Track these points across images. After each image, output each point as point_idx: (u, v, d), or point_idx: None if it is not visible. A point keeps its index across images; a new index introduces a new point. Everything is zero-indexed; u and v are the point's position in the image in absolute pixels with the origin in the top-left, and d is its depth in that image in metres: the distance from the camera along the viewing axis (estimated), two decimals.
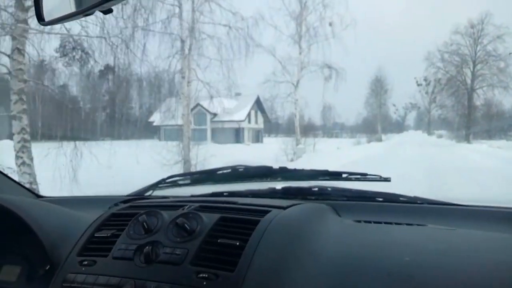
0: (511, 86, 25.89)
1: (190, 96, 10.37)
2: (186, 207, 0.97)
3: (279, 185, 1.29)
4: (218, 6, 11.15)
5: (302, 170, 1.35)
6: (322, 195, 1.22)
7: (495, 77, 27.37)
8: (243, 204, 1.01)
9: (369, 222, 1.04)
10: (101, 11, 0.85)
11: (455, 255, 0.84)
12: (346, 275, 0.79)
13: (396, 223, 1.02)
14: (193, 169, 8.93)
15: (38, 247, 0.95)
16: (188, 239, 0.85)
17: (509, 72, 26.07)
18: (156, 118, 30.07)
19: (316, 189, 1.24)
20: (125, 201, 1.20)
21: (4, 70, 6.04)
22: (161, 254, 0.83)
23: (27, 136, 5.95)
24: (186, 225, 0.87)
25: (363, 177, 1.30)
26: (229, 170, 1.38)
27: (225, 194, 1.26)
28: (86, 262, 0.88)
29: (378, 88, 34.72)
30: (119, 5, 7.28)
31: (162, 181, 1.40)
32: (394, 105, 40.87)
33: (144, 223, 0.89)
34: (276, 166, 1.36)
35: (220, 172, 1.38)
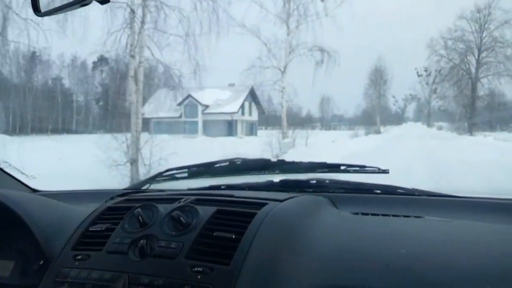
0: None
1: (140, 79, 8.47)
2: (182, 200, 1.00)
3: (276, 177, 1.33)
4: None
5: (300, 162, 1.39)
6: (320, 187, 1.26)
7: (502, 65, 26.74)
8: (240, 197, 1.04)
9: (367, 214, 1.07)
10: (98, 1, 0.88)
11: (452, 246, 0.87)
12: (343, 267, 0.82)
13: (393, 215, 1.05)
14: (142, 171, 7.67)
15: (32, 241, 0.97)
16: (184, 233, 0.88)
17: None
18: (146, 110, 29.91)
19: (314, 181, 1.28)
20: (121, 195, 1.23)
21: None
22: (156, 248, 0.86)
23: None
24: (181, 218, 0.89)
25: (362, 169, 1.33)
26: (227, 163, 1.41)
27: (222, 187, 1.29)
28: (80, 257, 0.90)
29: (378, 78, 34.70)
30: None
31: (159, 174, 1.43)
32: (393, 96, 41.06)
33: (139, 217, 0.91)
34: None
35: (218, 165, 1.41)
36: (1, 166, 1.41)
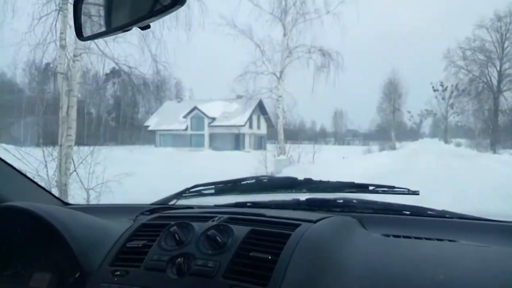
0: None
1: (76, 78, 6.96)
2: (216, 218, 1.06)
3: (303, 196, 1.38)
4: None
5: (328, 182, 1.44)
6: (347, 207, 1.30)
7: None
8: (271, 217, 1.09)
9: (398, 236, 1.10)
10: (139, 28, 0.97)
11: (491, 274, 0.87)
12: None
13: (426, 238, 1.09)
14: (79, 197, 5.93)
15: (68, 255, 1.02)
16: (220, 252, 0.92)
17: None
18: (152, 122, 30.08)
19: (341, 201, 1.33)
20: (151, 210, 1.30)
21: None
22: (193, 266, 0.90)
23: None
24: (217, 237, 0.94)
25: (391, 189, 1.37)
26: (253, 181, 1.48)
27: (248, 204, 1.36)
28: (118, 273, 0.95)
29: (392, 92, 34.61)
30: None
31: (186, 190, 1.50)
32: (409, 111, 41.15)
33: (176, 235, 0.97)
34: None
35: (244, 182, 1.48)
36: (35, 180, 1.49)
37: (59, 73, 6.95)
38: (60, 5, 6.98)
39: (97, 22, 0.99)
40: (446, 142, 42.75)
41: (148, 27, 0.96)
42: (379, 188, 1.38)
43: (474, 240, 1.07)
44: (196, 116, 28.26)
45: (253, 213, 1.13)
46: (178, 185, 1.55)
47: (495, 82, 27.83)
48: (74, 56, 6.99)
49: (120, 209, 1.50)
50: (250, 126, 29.03)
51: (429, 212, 1.28)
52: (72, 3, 1.00)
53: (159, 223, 1.08)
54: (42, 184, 1.51)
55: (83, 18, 0.99)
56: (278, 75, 15.57)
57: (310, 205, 1.32)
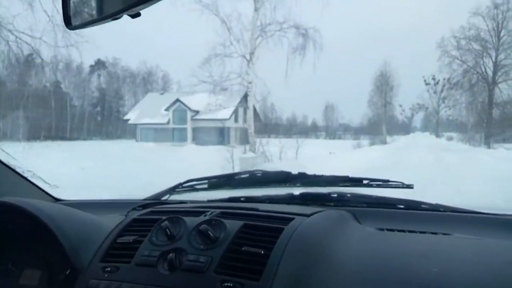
0: None
1: None
2: (208, 213, 1.09)
3: (296, 190, 1.42)
4: None
5: (322, 176, 1.48)
6: (341, 201, 1.35)
7: None
8: (265, 211, 1.13)
9: (392, 230, 1.15)
10: (129, 15, 0.98)
11: (485, 266, 0.91)
12: (374, 285, 0.88)
13: (420, 232, 1.13)
14: None
15: (58, 251, 1.05)
16: (212, 247, 0.95)
17: None
18: (132, 116, 29.73)
19: (335, 195, 1.37)
20: (143, 205, 1.33)
21: None
22: (185, 262, 0.92)
23: None
24: (209, 232, 0.97)
25: (385, 183, 1.42)
26: (246, 175, 1.52)
27: (242, 199, 1.39)
28: (109, 269, 0.98)
29: (384, 84, 34.90)
30: None
31: (179, 185, 1.53)
32: (400, 105, 41.68)
33: (167, 230, 1.00)
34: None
35: (238, 177, 1.53)
36: (25, 175, 1.50)
37: None
38: None
39: (86, 10, 1.00)
40: (437, 136, 43.53)
41: (138, 15, 0.98)
42: (373, 182, 1.43)
43: (468, 233, 1.12)
44: (179, 109, 27.96)
45: (246, 208, 1.16)
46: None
47: (490, 73, 27.65)
48: None
49: (112, 204, 1.53)
50: (236, 120, 28.84)
51: (423, 205, 1.33)
52: None
53: (151, 218, 1.10)
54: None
55: (71, 6, 1.00)
56: (248, 57, 13.68)
57: (303, 199, 1.36)
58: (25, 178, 1.50)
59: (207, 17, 13.74)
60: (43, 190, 1.56)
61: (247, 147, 13.62)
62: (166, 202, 1.45)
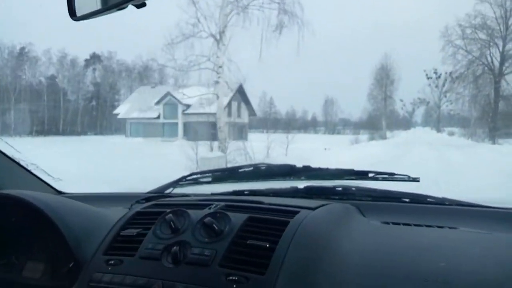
0: None
1: None
2: (213, 206, 1.12)
3: (301, 184, 1.45)
4: None
5: (327, 169, 1.53)
6: (346, 194, 1.39)
7: None
8: (270, 204, 1.16)
9: (398, 224, 1.18)
10: (134, 5, 1.01)
11: (493, 260, 0.93)
12: (380, 279, 0.91)
13: (426, 225, 1.17)
14: None
15: (62, 244, 1.08)
16: (216, 240, 0.98)
17: None
18: (122, 110, 29.57)
19: (340, 188, 1.41)
20: (146, 199, 1.37)
21: None
22: (189, 255, 0.95)
23: None
24: (214, 225, 1.00)
25: (391, 177, 1.46)
26: (251, 168, 1.56)
27: (246, 192, 1.43)
28: (112, 262, 1.01)
29: (384, 78, 34.95)
30: None
31: (183, 178, 1.57)
32: (401, 100, 41.88)
33: (171, 223, 1.02)
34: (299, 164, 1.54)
35: (242, 170, 1.56)
36: (29, 168, 1.54)
37: None
38: None
39: (91, 0, 1.03)
40: (438, 131, 43.77)
41: (144, 4, 1.01)
42: (378, 175, 1.47)
43: (475, 227, 1.15)
44: (169, 102, 27.78)
45: (251, 201, 1.19)
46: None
47: (496, 64, 26.77)
48: None
49: (115, 197, 1.57)
50: (229, 114, 28.79)
51: (428, 199, 1.36)
52: None
53: (154, 211, 1.14)
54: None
55: None
56: (217, 37, 12.09)
57: (308, 192, 1.40)
58: (29, 171, 1.53)
59: None
60: (47, 183, 1.60)
61: (216, 144, 12.06)
62: (170, 195, 1.49)
